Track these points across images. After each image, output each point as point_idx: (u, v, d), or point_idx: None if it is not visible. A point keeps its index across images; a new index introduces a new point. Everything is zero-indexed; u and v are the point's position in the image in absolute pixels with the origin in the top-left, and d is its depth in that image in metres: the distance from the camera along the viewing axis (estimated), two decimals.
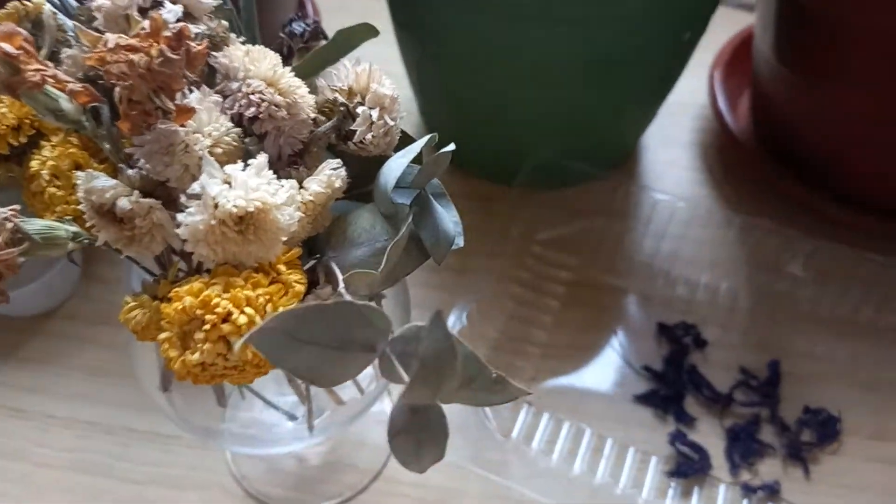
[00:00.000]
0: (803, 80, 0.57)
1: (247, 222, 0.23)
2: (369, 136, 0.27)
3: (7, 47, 0.21)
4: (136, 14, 0.23)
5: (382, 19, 0.57)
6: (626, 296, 0.57)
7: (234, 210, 0.22)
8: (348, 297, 0.25)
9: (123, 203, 0.24)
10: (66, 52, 0.27)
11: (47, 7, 0.29)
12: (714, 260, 0.58)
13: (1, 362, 0.53)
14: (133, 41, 0.22)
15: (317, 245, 0.29)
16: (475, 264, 0.56)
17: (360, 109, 0.27)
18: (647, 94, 0.58)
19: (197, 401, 0.38)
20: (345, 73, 0.28)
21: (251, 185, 0.23)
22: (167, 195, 0.25)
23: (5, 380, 0.52)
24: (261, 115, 0.26)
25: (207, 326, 0.22)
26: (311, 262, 0.28)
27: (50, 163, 0.27)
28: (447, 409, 0.48)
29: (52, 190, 0.27)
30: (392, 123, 0.28)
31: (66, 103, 0.24)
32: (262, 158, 0.24)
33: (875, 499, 0.47)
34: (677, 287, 0.57)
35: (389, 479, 0.48)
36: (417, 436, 0.23)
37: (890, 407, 0.50)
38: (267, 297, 0.23)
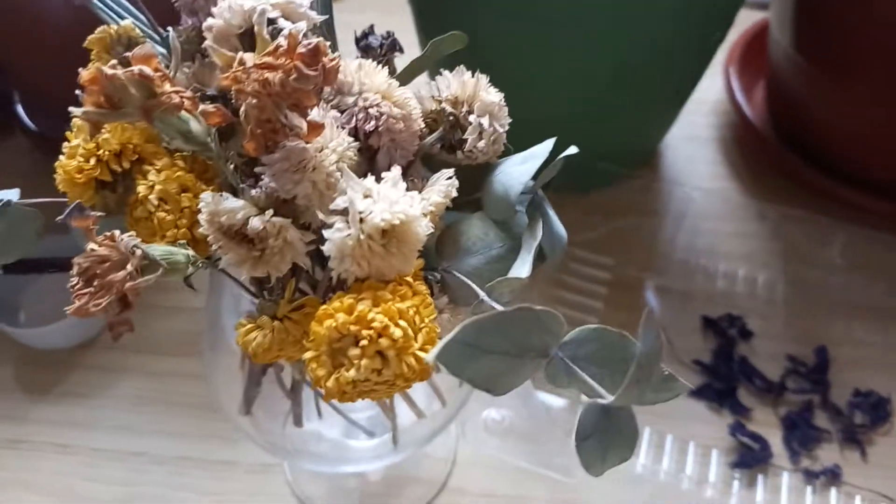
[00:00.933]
0: (821, 69, 0.58)
1: (390, 236, 0.23)
2: (481, 143, 0.27)
3: (145, 69, 0.21)
4: (265, 33, 0.23)
5: (405, 15, 0.57)
6: (667, 291, 0.57)
7: (382, 224, 0.22)
8: (496, 306, 0.24)
9: (255, 223, 0.23)
10: (181, 71, 0.26)
11: (136, 29, 0.28)
12: (749, 252, 0.59)
13: (41, 398, 0.51)
14: (269, 59, 0.21)
15: (426, 256, 0.28)
16: None
17: (470, 118, 0.27)
18: (674, 93, 0.58)
19: (274, 422, 0.38)
20: (445, 83, 0.28)
21: (392, 198, 0.23)
22: (291, 213, 0.25)
23: (47, 416, 0.51)
24: (379, 129, 0.25)
25: (365, 342, 0.22)
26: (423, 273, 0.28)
27: (158, 187, 0.26)
28: (514, 418, 0.48)
29: (162, 214, 0.26)
30: (501, 130, 0.27)
31: (195, 125, 0.23)
32: (396, 171, 0.24)
33: None
34: (717, 281, 0.58)
35: (455, 490, 0.47)
36: (606, 438, 0.22)
37: None
38: (414, 308, 0.23)
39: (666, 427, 0.49)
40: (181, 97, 0.21)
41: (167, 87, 0.21)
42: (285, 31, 0.23)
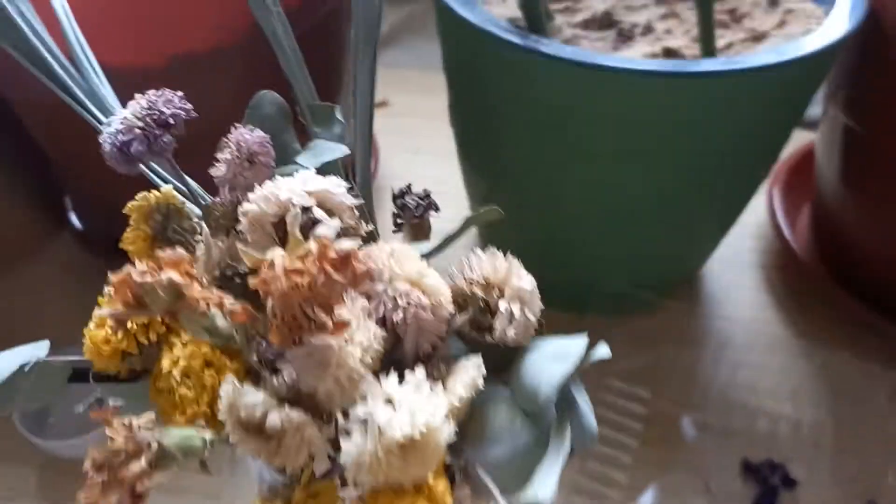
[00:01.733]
0: (867, 202, 0.56)
1: (410, 447, 0.22)
2: (511, 332, 0.26)
3: (175, 276, 0.21)
4: (297, 231, 0.23)
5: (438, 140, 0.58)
6: (705, 430, 0.55)
7: (401, 438, 0.21)
8: None
9: (274, 420, 0.23)
10: (201, 248, 0.27)
11: (177, 197, 0.28)
12: (795, 391, 0.57)
13: None
14: (300, 265, 0.21)
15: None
16: None
17: (500, 305, 0.26)
18: (716, 223, 0.58)
19: None
20: (478, 263, 0.28)
21: (415, 407, 0.22)
22: (312, 405, 0.24)
23: None
24: (407, 319, 0.25)
25: None
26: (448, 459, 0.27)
27: (182, 363, 0.26)
28: None
29: (184, 391, 0.26)
30: (533, 318, 0.27)
31: (220, 321, 0.23)
32: (421, 374, 0.23)
33: None
34: (758, 420, 0.55)
35: None
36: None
37: None
38: None
39: None
40: (207, 302, 0.21)
41: (195, 289, 0.21)
42: (318, 232, 0.23)
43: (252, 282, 0.22)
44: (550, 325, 0.66)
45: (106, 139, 0.27)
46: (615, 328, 0.58)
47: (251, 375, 0.26)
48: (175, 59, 0.43)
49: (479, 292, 0.27)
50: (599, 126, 0.47)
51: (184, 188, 0.29)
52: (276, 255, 0.22)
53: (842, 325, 0.60)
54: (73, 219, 0.66)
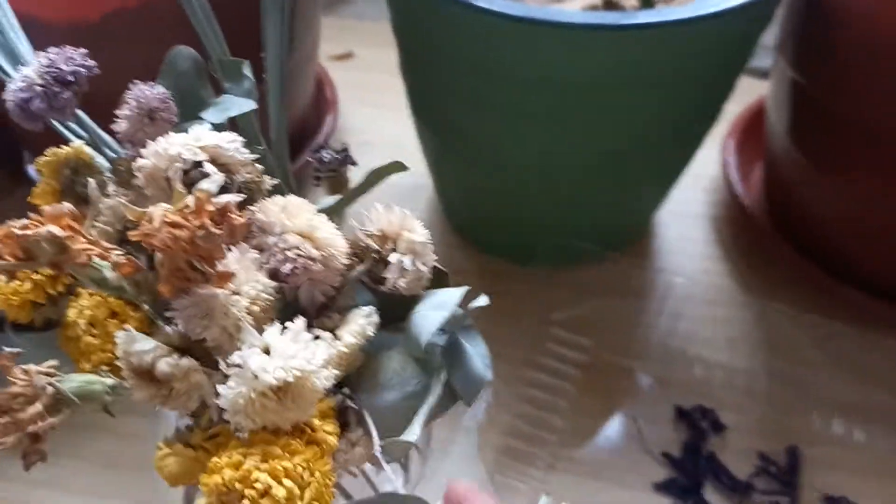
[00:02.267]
0: (816, 164, 0.57)
1: (285, 391, 0.23)
2: (402, 282, 0.28)
3: (55, 230, 0.22)
4: (179, 185, 0.24)
5: (401, 96, 0.59)
6: (643, 378, 0.57)
7: (275, 382, 0.23)
8: (385, 467, 0.25)
9: (163, 366, 0.24)
10: (104, 203, 0.28)
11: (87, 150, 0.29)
12: (732, 340, 0.58)
13: (11, 455, 0.53)
14: (178, 218, 0.22)
15: (346, 381, 0.29)
16: (490, 348, 0.56)
17: (392, 257, 0.28)
18: (659, 180, 0.58)
19: None
20: (377, 216, 0.29)
21: (289, 353, 0.23)
22: (204, 352, 0.25)
23: (16, 474, 0.52)
24: (296, 271, 0.26)
25: (247, 502, 0.22)
26: (340, 399, 0.29)
27: (87, 312, 0.27)
28: None
29: (89, 339, 0.27)
30: (424, 269, 0.28)
31: (108, 272, 0.24)
32: (300, 324, 0.24)
33: None
34: (694, 368, 0.57)
35: None
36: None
37: None
38: (304, 464, 0.23)
39: None
40: (88, 255, 0.22)
41: (78, 242, 0.23)
42: (199, 186, 0.24)
43: (131, 234, 0.23)
44: (499, 275, 0.67)
45: (8, 96, 0.27)
46: (559, 278, 0.60)
47: (155, 325, 0.28)
48: (108, 14, 0.43)
49: (373, 244, 0.28)
50: (537, 83, 0.48)
51: (96, 143, 0.30)
52: (158, 209, 0.23)
53: (784, 279, 0.61)
54: (31, 172, 0.66)
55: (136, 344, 0.24)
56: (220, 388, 0.23)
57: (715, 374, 0.57)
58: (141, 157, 0.27)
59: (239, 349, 0.24)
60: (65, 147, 0.29)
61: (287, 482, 0.23)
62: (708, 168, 0.70)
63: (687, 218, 0.68)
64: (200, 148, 0.26)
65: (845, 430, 0.53)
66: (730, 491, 0.51)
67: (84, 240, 0.23)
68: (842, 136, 0.54)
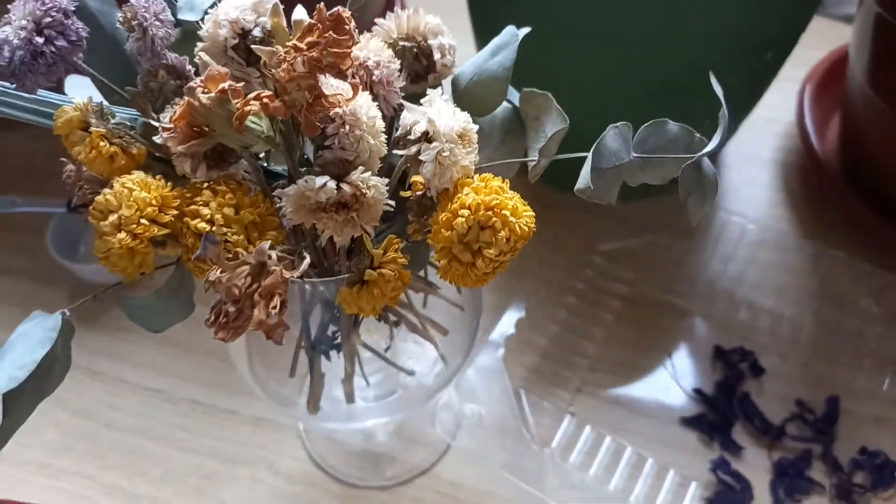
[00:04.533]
0: (892, 102, 0.54)
1: (464, 137, 0.27)
2: (447, 58, 0.31)
3: (234, 84, 0.23)
4: (282, 22, 0.25)
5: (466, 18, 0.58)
6: (684, 315, 0.56)
7: (458, 129, 0.26)
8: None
9: (350, 186, 0.26)
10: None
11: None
12: (781, 286, 0.56)
13: (86, 327, 0.58)
14: (310, 38, 0.24)
15: None
16: (531, 269, 0.56)
17: (432, 42, 0.31)
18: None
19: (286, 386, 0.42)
20: (393, 24, 0.31)
21: (449, 110, 0.27)
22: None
23: (88, 343, 0.57)
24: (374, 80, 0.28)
25: (495, 220, 0.26)
26: None
27: (217, 215, 0.27)
28: (494, 415, 0.49)
29: (234, 238, 0.27)
30: (455, 42, 0.31)
31: (262, 124, 0.26)
32: (436, 92, 0.28)
33: None
34: (739, 311, 0.56)
35: (433, 476, 0.49)
36: (701, 190, 0.29)
37: None
38: (499, 186, 0.27)
39: (649, 450, 0.49)
40: (262, 100, 0.24)
41: (241, 98, 0.24)
42: (296, 16, 0.26)
43: (280, 73, 0.24)
44: (541, 199, 0.67)
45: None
46: (610, 210, 0.59)
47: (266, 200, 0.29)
48: None
49: (407, 43, 0.31)
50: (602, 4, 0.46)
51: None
52: (279, 48, 0.25)
53: (847, 229, 0.59)
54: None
55: (312, 181, 0.26)
56: (423, 156, 0.26)
57: (760, 318, 0.55)
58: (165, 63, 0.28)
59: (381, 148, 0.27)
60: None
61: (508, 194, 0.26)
62: (782, 114, 0.67)
63: (754, 161, 0.65)
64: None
65: (893, 387, 0.51)
66: (760, 433, 0.50)
67: (242, 95, 0.24)
68: None
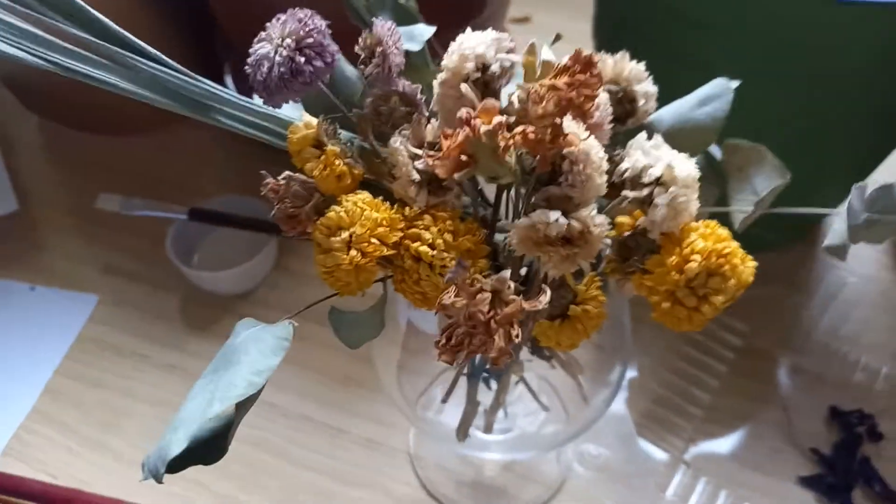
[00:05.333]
0: None
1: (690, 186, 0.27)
2: (651, 104, 0.32)
3: (504, 119, 0.24)
4: (537, 56, 0.26)
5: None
6: (798, 371, 0.55)
7: (690, 177, 0.27)
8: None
9: (579, 223, 0.26)
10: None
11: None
12: None
13: (198, 333, 0.58)
14: (553, 82, 0.24)
15: None
16: (649, 317, 0.56)
17: (636, 87, 0.32)
18: (854, 164, 0.56)
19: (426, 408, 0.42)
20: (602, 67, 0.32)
21: (677, 155, 0.27)
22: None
23: (199, 350, 0.57)
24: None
25: (726, 267, 0.26)
26: None
27: (438, 240, 0.28)
28: (611, 457, 0.49)
29: (452, 263, 0.27)
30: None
31: (512, 161, 0.26)
32: (659, 138, 0.28)
33: None
34: (855, 373, 0.55)
35: None
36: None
37: None
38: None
39: None
40: (525, 135, 0.24)
41: (506, 133, 0.25)
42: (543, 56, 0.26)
43: (540, 111, 0.24)
44: None
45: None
46: None
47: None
48: None
49: (613, 87, 0.32)
50: (738, 42, 0.47)
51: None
52: (537, 86, 0.25)
53: None
54: (230, 84, 0.71)
55: (545, 216, 0.26)
56: (658, 200, 0.26)
57: (877, 383, 0.54)
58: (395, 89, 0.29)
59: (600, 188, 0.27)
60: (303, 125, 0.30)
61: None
62: None
63: None
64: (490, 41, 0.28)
65: None
66: (882, 499, 0.49)
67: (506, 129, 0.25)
68: None
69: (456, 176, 0.25)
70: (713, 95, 0.31)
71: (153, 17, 0.64)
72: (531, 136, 0.24)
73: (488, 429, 0.41)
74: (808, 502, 0.49)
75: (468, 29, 0.29)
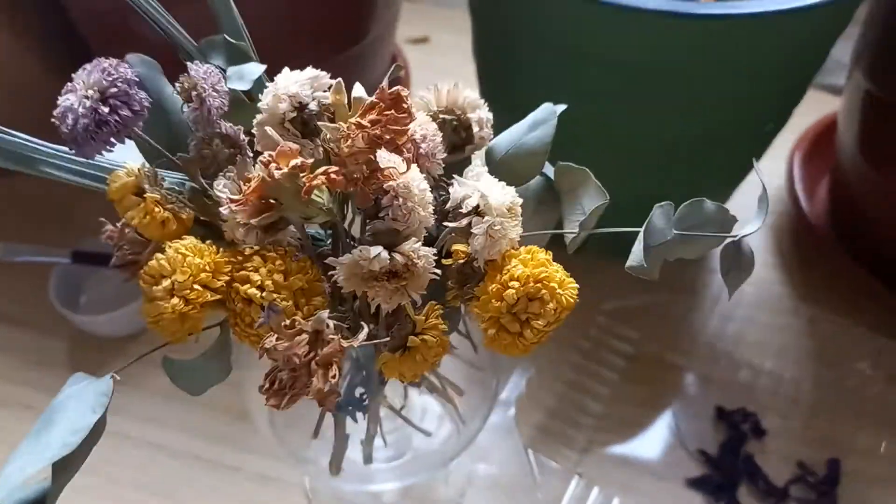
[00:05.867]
0: (885, 175, 0.56)
1: (512, 210, 0.28)
2: (485, 132, 0.33)
3: (302, 160, 0.24)
4: (343, 100, 0.26)
5: (472, 79, 0.60)
6: (687, 375, 0.57)
7: (508, 203, 0.27)
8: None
9: (401, 256, 0.27)
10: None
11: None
12: (780, 348, 0.58)
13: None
14: (361, 120, 0.24)
15: None
16: None
17: (471, 115, 0.33)
18: (723, 177, 0.58)
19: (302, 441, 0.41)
20: (433, 99, 0.33)
21: (495, 183, 0.28)
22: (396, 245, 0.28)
23: None
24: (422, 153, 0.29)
25: (544, 292, 0.27)
26: None
27: (267, 281, 0.27)
28: (503, 474, 0.49)
29: (285, 303, 0.27)
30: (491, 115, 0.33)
31: (324, 197, 0.26)
32: (482, 167, 0.29)
33: None
34: (740, 371, 0.57)
35: None
36: (738, 267, 0.31)
37: None
38: (545, 259, 0.28)
39: None
40: (329, 174, 0.24)
41: (308, 173, 0.25)
42: (355, 94, 0.26)
43: (346, 148, 0.24)
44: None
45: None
46: (611, 269, 0.60)
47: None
48: None
49: (448, 116, 0.32)
50: (613, 65, 0.48)
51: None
52: (343, 125, 0.25)
53: (841, 292, 0.60)
54: None
55: (367, 252, 0.26)
56: (475, 230, 0.27)
57: (760, 379, 0.56)
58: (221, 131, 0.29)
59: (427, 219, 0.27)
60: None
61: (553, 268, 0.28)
62: (773, 180, 0.70)
63: (747, 226, 0.67)
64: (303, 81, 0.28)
65: (891, 448, 0.52)
66: (765, 495, 0.50)
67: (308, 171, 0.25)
68: None
69: (254, 221, 0.25)
70: (540, 120, 0.32)
71: (29, 55, 0.62)
72: (335, 176, 0.25)
73: (367, 460, 0.41)
74: (697, 503, 0.50)
75: (285, 69, 0.29)
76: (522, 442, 0.50)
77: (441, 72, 0.81)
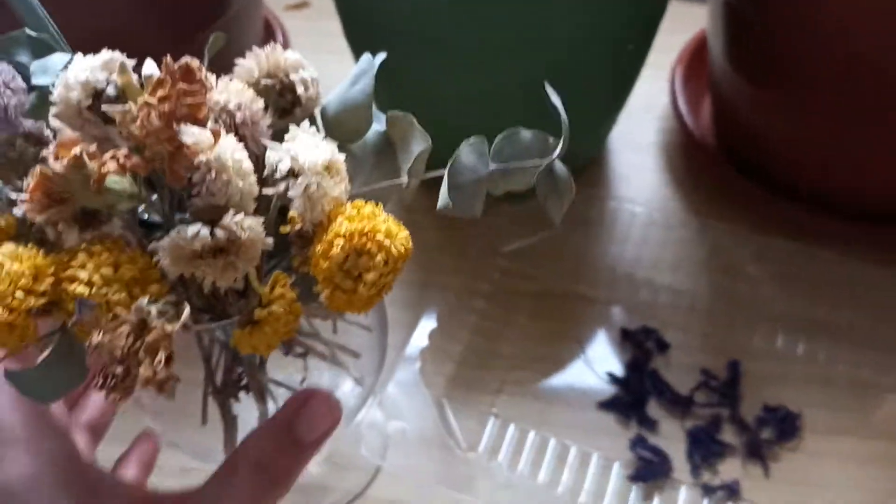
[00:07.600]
0: (753, 84, 0.57)
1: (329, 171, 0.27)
2: (311, 91, 0.31)
3: (87, 149, 0.23)
4: (133, 81, 0.25)
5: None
6: (592, 303, 0.58)
7: (324, 162, 0.27)
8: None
9: (223, 231, 0.26)
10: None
11: None
12: (675, 262, 0.59)
13: None
14: (162, 92, 0.24)
15: None
16: (438, 280, 0.57)
17: (293, 76, 0.31)
18: (599, 106, 0.59)
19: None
20: (254, 63, 0.32)
21: (314, 143, 0.27)
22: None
23: None
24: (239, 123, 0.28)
25: (370, 245, 0.26)
26: None
27: (95, 277, 0.26)
28: (413, 428, 0.50)
29: (116, 297, 0.26)
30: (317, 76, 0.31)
31: (125, 183, 0.25)
32: (305, 124, 0.28)
33: (834, 494, 0.48)
34: (640, 291, 0.58)
35: (368, 498, 0.49)
36: (556, 193, 0.32)
37: (847, 403, 0.51)
38: (372, 211, 0.27)
39: (571, 439, 0.50)
40: (119, 159, 0.23)
41: (99, 161, 0.24)
42: (145, 71, 0.26)
43: (136, 131, 0.23)
44: (446, 213, 0.68)
45: None
46: (506, 210, 0.60)
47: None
48: None
49: (269, 81, 0.31)
50: (457, 16, 0.48)
51: None
52: (131, 105, 0.24)
53: (729, 201, 0.62)
54: None
55: (185, 231, 0.26)
56: (292, 193, 0.26)
57: (660, 296, 0.58)
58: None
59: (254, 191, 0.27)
60: None
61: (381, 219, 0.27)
62: (660, 98, 0.70)
63: (638, 146, 0.68)
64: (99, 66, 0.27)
65: (786, 344, 0.54)
66: (672, 405, 0.52)
67: (100, 158, 0.24)
68: (774, 53, 0.54)
69: (50, 217, 0.24)
70: (361, 72, 0.31)
71: None
72: (127, 161, 0.24)
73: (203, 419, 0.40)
74: (610, 424, 0.52)
75: (89, 56, 0.28)
76: (433, 393, 0.51)
77: (325, 37, 0.79)
